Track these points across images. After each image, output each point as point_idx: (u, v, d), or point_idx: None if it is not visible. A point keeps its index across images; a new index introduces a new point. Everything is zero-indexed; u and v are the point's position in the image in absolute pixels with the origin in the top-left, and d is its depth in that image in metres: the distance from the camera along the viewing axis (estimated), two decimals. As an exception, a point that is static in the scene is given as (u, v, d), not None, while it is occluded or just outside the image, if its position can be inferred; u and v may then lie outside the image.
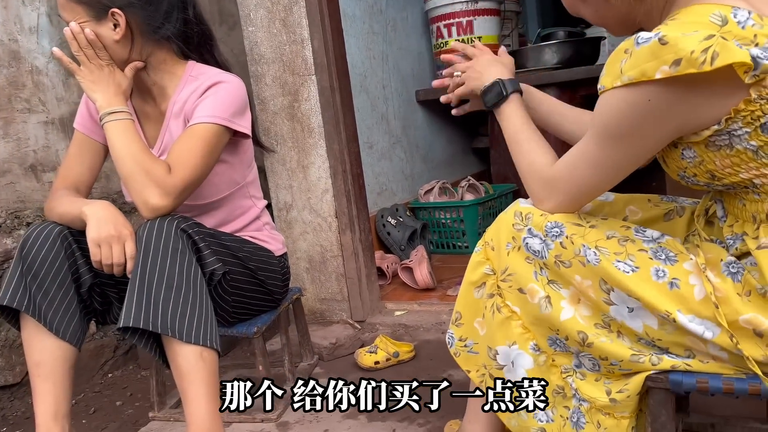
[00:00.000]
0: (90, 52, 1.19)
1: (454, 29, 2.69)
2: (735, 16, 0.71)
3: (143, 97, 1.34)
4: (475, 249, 1.01)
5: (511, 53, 2.74)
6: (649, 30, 0.75)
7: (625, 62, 0.75)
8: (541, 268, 0.92)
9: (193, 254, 1.16)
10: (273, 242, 1.45)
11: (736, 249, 0.83)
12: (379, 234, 2.41)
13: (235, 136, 1.30)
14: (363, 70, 2.40)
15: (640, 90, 0.73)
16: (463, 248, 2.53)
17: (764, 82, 0.71)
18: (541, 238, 0.91)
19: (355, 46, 2.35)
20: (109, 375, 1.86)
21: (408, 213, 2.51)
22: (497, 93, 1.03)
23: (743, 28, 0.71)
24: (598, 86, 0.81)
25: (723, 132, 0.75)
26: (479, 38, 2.69)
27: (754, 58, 0.69)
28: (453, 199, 2.61)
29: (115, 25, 1.20)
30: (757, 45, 0.70)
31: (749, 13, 0.72)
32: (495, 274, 0.97)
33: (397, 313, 1.96)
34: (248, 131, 1.31)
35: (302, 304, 1.65)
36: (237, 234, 1.38)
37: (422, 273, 2.03)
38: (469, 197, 2.60)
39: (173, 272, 1.12)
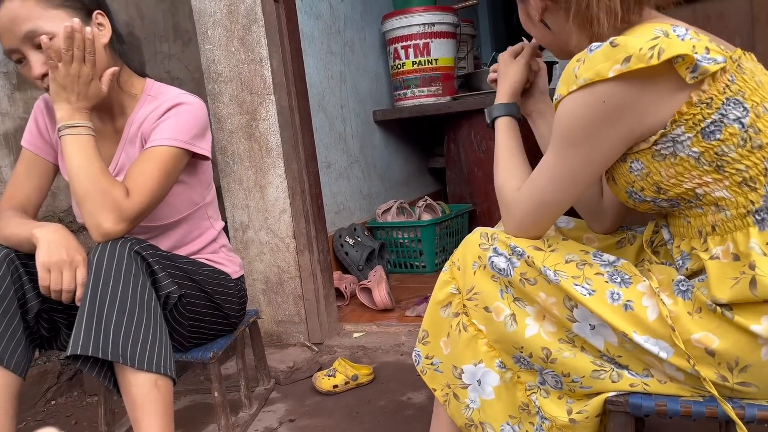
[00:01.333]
0: (78, 54, 1.11)
1: (411, 51, 2.72)
2: (675, 31, 0.77)
3: (99, 113, 1.29)
4: (443, 269, 1.02)
5: (465, 76, 2.82)
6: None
7: (578, 68, 0.79)
8: (506, 286, 0.94)
9: (147, 277, 1.12)
10: (230, 265, 1.42)
11: (687, 269, 0.86)
12: (336, 254, 2.39)
13: (195, 157, 1.28)
14: (321, 89, 2.40)
15: (595, 91, 0.78)
16: (420, 268, 2.54)
17: (703, 86, 0.76)
18: (506, 257, 0.93)
19: (314, 66, 2.35)
20: (53, 402, 1.78)
21: (366, 233, 2.50)
22: (487, 117, 1.09)
23: (683, 40, 0.76)
24: (555, 97, 0.84)
25: (668, 138, 0.79)
26: (436, 60, 2.73)
27: (695, 60, 0.75)
28: (410, 219, 2.62)
29: (99, 26, 1.17)
30: (697, 52, 0.75)
31: (686, 29, 0.78)
32: (461, 293, 0.99)
33: (356, 334, 1.94)
34: (208, 153, 1.28)
35: (259, 326, 1.62)
36: (193, 256, 1.35)
37: (380, 294, 2.03)
38: (426, 217, 2.61)
39: (126, 296, 1.08)
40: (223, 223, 1.46)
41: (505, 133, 1.04)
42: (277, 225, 1.88)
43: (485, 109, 1.09)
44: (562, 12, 0.89)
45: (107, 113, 1.28)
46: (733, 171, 0.78)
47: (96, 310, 1.05)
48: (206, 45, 1.84)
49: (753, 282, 0.77)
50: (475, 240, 0.97)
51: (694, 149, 0.78)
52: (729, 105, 0.77)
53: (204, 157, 1.29)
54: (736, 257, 0.80)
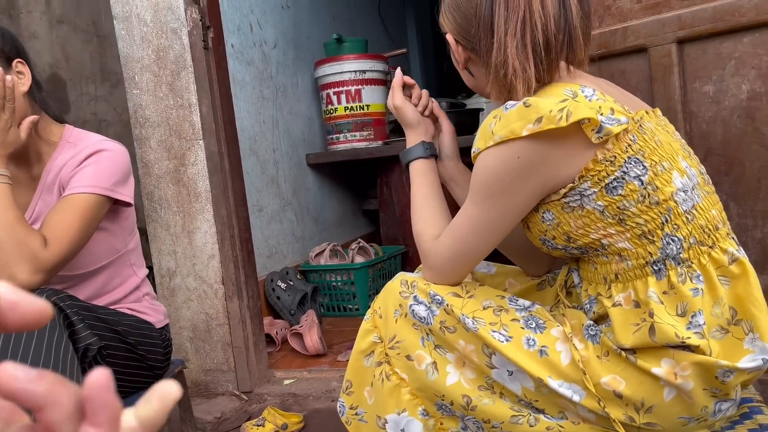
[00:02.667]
0: None
1: (343, 96, 2.77)
2: (583, 92, 0.83)
3: (15, 160, 1.25)
4: (365, 317, 1.03)
5: (395, 121, 2.89)
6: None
7: (494, 125, 0.84)
8: (427, 334, 0.96)
9: (64, 330, 1.08)
10: (154, 314, 1.38)
11: (594, 312, 0.91)
12: (268, 299, 2.36)
13: (117, 204, 1.25)
14: (253, 133, 2.41)
15: (510, 148, 0.83)
16: (354, 311, 2.54)
17: (607, 145, 0.82)
18: (426, 305, 0.95)
19: (245, 111, 2.36)
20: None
21: (299, 276, 2.49)
22: (401, 163, 1.11)
23: (590, 101, 0.82)
24: (472, 151, 0.89)
25: (576, 191, 0.84)
26: (367, 106, 2.79)
27: (600, 122, 0.80)
28: (344, 262, 2.63)
29: (19, 74, 1.14)
30: (602, 114, 0.81)
31: (594, 90, 0.84)
32: (383, 342, 1.00)
33: (287, 381, 1.91)
34: (131, 199, 1.26)
35: (185, 376, 1.57)
36: (115, 306, 1.31)
37: (312, 339, 2.01)
38: (359, 259, 2.63)
39: (40, 351, 1.03)
40: (146, 270, 1.43)
41: (418, 179, 1.05)
42: (205, 271, 1.85)
43: (399, 155, 1.11)
44: (483, 66, 0.94)
45: (24, 160, 1.25)
46: (634, 224, 0.84)
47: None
48: (134, 90, 1.83)
49: (652, 329, 0.82)
50: (395, 288, 0.99)
51: (599, 203, 0.83)
52: (630, 163, 0.82)
53: (126, 204, 1.26)
54: (637, 304, 0.85)
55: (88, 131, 1.30)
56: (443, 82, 4.99)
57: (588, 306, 0.92)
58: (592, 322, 0.90)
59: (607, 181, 0.82)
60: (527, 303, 0.96)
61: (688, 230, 0.85)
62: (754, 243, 1.19)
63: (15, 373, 0.25)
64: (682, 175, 0.86)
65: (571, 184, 0.84)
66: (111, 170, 1.21)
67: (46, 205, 1.23)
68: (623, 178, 0.82)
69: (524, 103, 0.82)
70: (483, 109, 3.01)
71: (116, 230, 1.30)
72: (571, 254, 0.94)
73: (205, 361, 1.89)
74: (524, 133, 0.81)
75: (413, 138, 1.10)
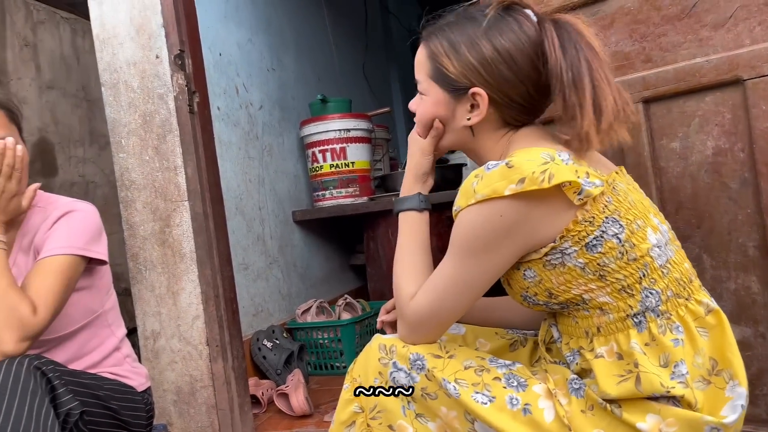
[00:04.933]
0: (7, 170, 1.12)
1: (328, 154, 2.83)
2: (559, 155, 0.86)
3: None
4: (344, 386, 1.01)
5: (381, 177, 2.94)
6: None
7: (476, 184, 0.86)
8: (408, 402, 0.94)
9: (46, 394, 1.07)
10: (135, 377, 1.37)
11: (577, 365, 0.92)
12: (254, 358, 2.34)
13: (91, 263, 1.26)
14: (239, 193, 2.44)
15: (492, 206, 0.84)
16: (341, 368, 2.51)
17: (587, 206, 0.85)
18: (406, 372, 0.94)
19: (231, 171, 2.39)
20: None
21: (285, 334, 2.47)
22: (396, 208, 1.08)
23: (567, 164, 0.85)
24: (454, 208, 0.90)
25: (557, 250, 0.86)
26: (352, 163, 2.84)
27: (581, 185, 0.84)
28: (330, 318, 2.62)
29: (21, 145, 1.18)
30: (579, 177, 0.84)
31: (569, 155, 0.88)
32: (364, 411, 0.98)
33: (273, 443, 1.87)
34: (105, 257, 1.27)
35: (167, 442, 1.54)
36: (95, 369, 1.30)
37: (298, 399, 1.98)
38: (345, 316, 2.62)
39: (21, 415, 1.02)
40: (125, 330, 1.42)
41: (408, 231, 1.03)
42: (189, 332, 1.84)
43: (393, 199, 1.12)
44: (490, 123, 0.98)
45: None
46: (614, 280, 0.87)
47: None
48: (120, 153, 1.86)
49: (638, 379, 0.83)
50: (374, 354, 0.98)
51: (580, 260, 0.86)
52: (608, 223, 0.86)
53: (101, 262, 1.27)
54: (620, 356, 0.87)
55: (56, 194, 1.33)
56: (428, 137, 5.09)
57: (571, 358, 0.93)
58: (575, 376, 0.90)
59: (587, 240, 0.86)
60: (507, 362, 0.96)
61: (665, 283, 0.88)
62: (728, 294, 1.21)
63: None
64: (655, 231, 0.90)
65: (552, 244, 0.86)
66: (83, 230, 1.23)
67: (20, 270, 1.23)
68: (602, 237, 0.85)
69: (507, 164, 0.85)
70: (466, 164, 3.07)
71: (92, 290, 1.31)
72: (552, 309, 0.95)
73: (189, 425, 1.86)
74: (506, 193, 0.83)
75: (413, 188, 1.06)
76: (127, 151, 1.85)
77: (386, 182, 2.88)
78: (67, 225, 1.21)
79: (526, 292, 0.93)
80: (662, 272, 0.88)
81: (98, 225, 1.27)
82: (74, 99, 2.78)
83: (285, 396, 2.08)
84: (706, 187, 1.22)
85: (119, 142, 1.86)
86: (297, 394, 2.00)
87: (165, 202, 1.84)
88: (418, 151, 1.06)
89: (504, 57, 0.91)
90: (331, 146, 2.82)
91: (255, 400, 2.12)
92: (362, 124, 2.88)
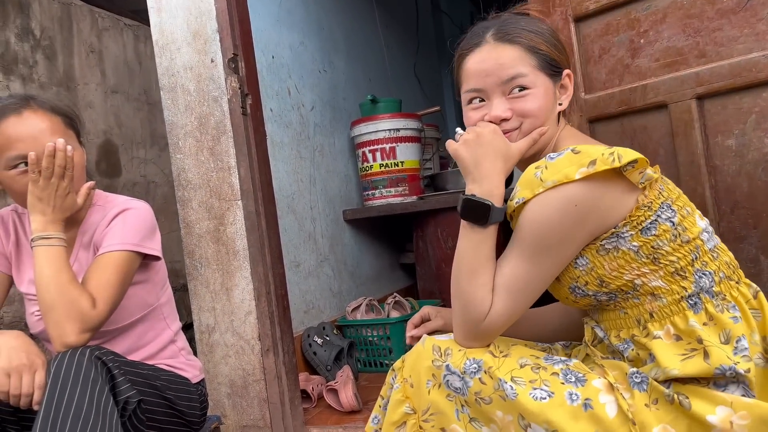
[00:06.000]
0: (59, 170, 1.19)
1: (378, 154, 2.86)
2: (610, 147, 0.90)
3: None
4: (394, 386, 1.01)
5: (431, 176, 2.94)
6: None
7: (541, 173, 0.86)
8: (462, 406, 0.93)
9: (106, 383, 1.13)
10: (190, 369, 1.43)
11: (632, 350, 0.91)
12: (305, 354, 2.39)
13: (146, 258, 1.32)
14: (291, 192, 2.49)
15: (564, 194, 0.84)
16: (390, 366, 2.53)
17: (645, 191, 0.87)
18: (459, 375, 0.93)
19: (284, 170, 2.45)
20: None
21: (335, 331, 2.51)
22: (477, 216, 0.94)
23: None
24: (515, 201, 0.88)
25: (614, 235, 0.87)
26: (402, 162, 2.86)
27: (647, 164, 0.86)
28: (380, 316, 2.65)
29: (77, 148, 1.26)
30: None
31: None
32: (416, 413, 0.97)
33: (321, 438, 1.91)
34: (159, 253, 1.33)
35: (221, 433, 1.60)
36: (151, 361, 1.36)
37: (347, 395, 2.02)
38: (395, 314, 2.64)
39: (82, 403, 1.08)
40: (179, 324, 1.48)
41: (489, 244, 0.93)
42: (242, 327, 1.90)
43: (470, 200, 0.94)
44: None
45: None
46: (667, 262, 0.87)
47: (51, 417, 1.05)
48: (177, 155, 1.94)
49: (706, 354, 0.83)
50: (427, 355, 0.97)
51: (634, 243, 0.87)
52: (662, 208, 0.87)
53: (156, 257, 1.33)
54: (678, 337, 0.87)
55: (114, 194, 1.40)
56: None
57: (624, 347, 0.92)
58: (635, 370, 0.89)
59: (643, 225, 0.87)
60: (563, 358, 0.95)
61: (716, 266, 0.89)
62: (787, 297, 1.17)
63: None
64: (701, 218, 0.92)
65: (613, 229, 0.87)
66: (137, 227, 1.29)
67: (82, 266, 1.31)
68: (656, 221, 0.87)
69: (573, 150, 0.87)
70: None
71: (148, 284, 1.37)
72: (599, 301, 0.94)
73: (242, 417, 1.92)
74: (577, 176, 0.84)
75: (492, 194, 0.94)
76: (184, 152, 1.93)
77: (436, 181, 2.89)
78: (123, 222, 1.28)
79: (576, 282, 0.92)
80: (712, 256, 0.90)
81: (152, 222, 1.33)
82: (136, 102, 2.91)
83: (334, 391, 2.12)
84: (763, 186, 1.18)
85: (176, 143, 1.94)
86: (346, 390, 2.03)
87: (219, 201, 1.90)
88: (505, 152, 0.95)
89: (564, 45, 1.02)
90: (380, 146, 2.85)
91: (305, 395, 2.17)
92: (412, 124, 2.89)
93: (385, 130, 2.82)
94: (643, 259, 0.87)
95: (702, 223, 0.91)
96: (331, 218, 2.82)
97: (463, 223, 0.96)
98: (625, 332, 0.92)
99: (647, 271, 0.88)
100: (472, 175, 0.95)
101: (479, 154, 0.94)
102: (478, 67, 0.99)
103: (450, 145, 1.01)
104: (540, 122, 0.98)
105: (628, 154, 0.85)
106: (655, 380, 0.86)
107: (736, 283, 0.90)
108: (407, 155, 2.88)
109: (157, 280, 1.39)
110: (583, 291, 0.93)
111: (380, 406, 1.05)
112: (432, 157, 3.26)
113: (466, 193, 0.95)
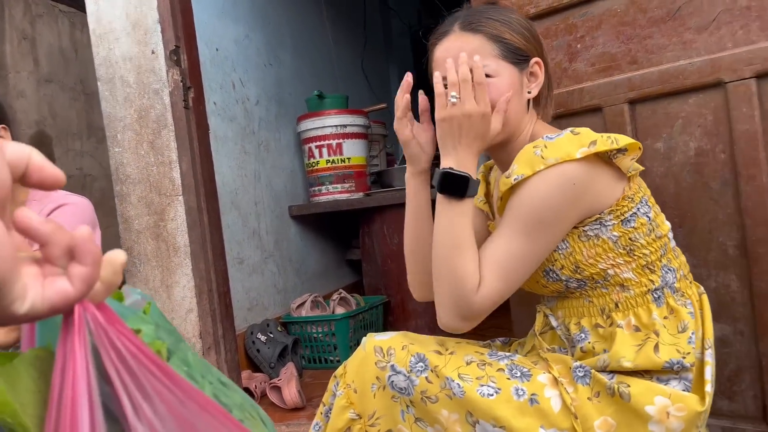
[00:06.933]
0: None
1: (324, 150, 2.85)
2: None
3: None
4: (337, 393, 0.99)
5: (378, 173, 2.96)
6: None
7: (541, 152, 0.87)
8: (407, 406, 0.93)
9: None
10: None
11: (588, 343, 0.93)
12: (248, 352, 2.36)
13: None
14: (234, 187, 2.46)
15: (564, 172, 0.86)
16: (334, 362, 2.54)
17: (631, 182, 0.91)
18: (405, 375, 0.93)
19: (227, 166, 2.41)
20: None
21: (279, 328, 2.50)
22: (455, 189, 0.93)
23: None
24: (514, 178, 0.87)
25: (597, 222, 0.90)
26: (348, 159, 2.86)
27: (640, 149, 0.91)
28: (325, 313, 2.64)
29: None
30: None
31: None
32: (362, 418, 0.96)
33: (264, 435, 1.90)
34: None
35: (159, 433, 1.56)
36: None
37: (291, 392, 2.01)
38: (340, 310, 2.64)
39: None
40: None
41: (468, 217, 0.93)
42: (183, 325, 1.86)
43: (447, 173, 0.93)
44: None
45: None
46: (640, 255, 0.91)
47: None
48: (115, 148, 1.88)
49: (656, 347, 0.87)
50: (370, 358, 0.96)
51: (614, 233, 0.90)
52: (641, 202, 0.92)
53: None
54: (637, 329, 0.90)
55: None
56: (426, 133, 5.10)
57: (580, 337, 0.94)
58: (579, 364, 0.91)
59: (625, 216, 0.91)
60: (507, 353, 0.97)
61: (678, 264, 0.95)
62: (708, 292, 1.22)
63: (30, 215, 0.34)
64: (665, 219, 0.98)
65: (598, 215, 0.90)
66: (75, 223, 1.24)
67: None
68: (636, 214, 0.91)
69: (572, 131, 0.90)
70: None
71: None
72: (568, 288, 0.95)
73: (182, 417, 1.88)
74: (578, 155, 0.86)
75: (470, 164, 0.94)
76: (123, 145, 1.88)
77: (382, 178, 2.90)
78: (61, 218, 1.23)
79: (553, 265, 0.94)
80: (674, 254, 0.97)
81: (92, 218, 1.29)
82: (72, 92, 2.80)
83: (278, 389, 2.10)
84: (688, 187, 1.24)
85: (115, 136, 1.88)
86: (290, 387, 2.02)
87: (159, 196, 1.86)
88: (485, 135, 0.95)
89: (539, 34, 1.05)
90: (327, 142, 2.84)
91: (248, 393, 2.14)
92: (359, 120, 2.89)
93: (331, 126, 2.82)
94: (619, 250, 0.91)
95: (668, 222, 0.98)
96: (277, 214, 2.79)
97: (440, 198, 0.95)
98: (587, 320, 0.94)
99: (621, 262, 0.91)
100: (450, 150, 0.94)
101: (464, 131, 0.93)
102: (443, 56, 1.00)
103: (441, 109, 0.95)
104: (504, 109, 0.98)
105: (623, 139, 0.89)
106: (604, 369, 0.89)
107: (690, 282, 0.98)
108: (354, 152, 2.88)
109: None
110: (556, 275, 0.94)
111: (322, 413, 1.04)
112: (379, 153, 3.27)
113: (442, 167, 0.95)
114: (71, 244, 0.34)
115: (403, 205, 1.09)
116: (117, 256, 0.38)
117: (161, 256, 1.87)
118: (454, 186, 0.92)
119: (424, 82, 1.06)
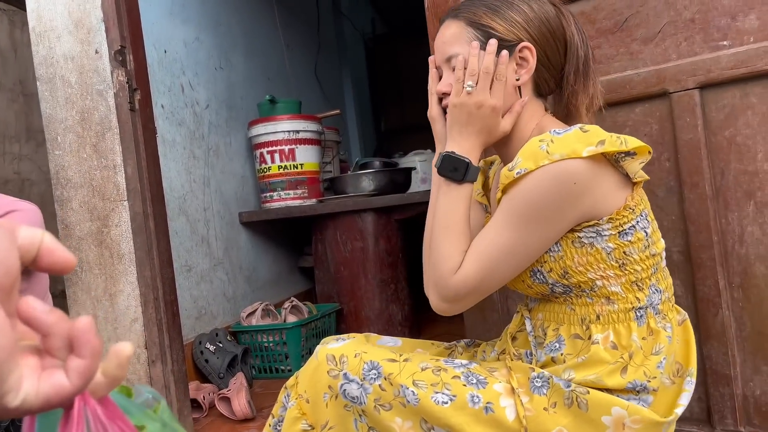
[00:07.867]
0: None
1: (276, 156, 2.81)
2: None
3: None
4: (288, 405, 0.97)
5: (331, 180, 2.93)
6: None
7: (546, 147, 0.84)
8: (360, 415, 0.92)
9: None
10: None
11: (561, 354, 0.91)
12: (196, 362, 2.29)
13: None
14: (183, 193, 2.39)
15: (567, 169, 0.83)
16: (286, 372, 2.49)
17: (634, 192, 0.88)
18: (358, 383, 0.91)
19: (175, 170, 2.35)
20: None
21: (229, 338, 2.44)
22: (454, 171, 0.95)
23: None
24: (517, 172, 0.85)
25: (594, 229, 0.87)
26: (301, 165, 2.83)
27: (650, 153, 0.88)
28: (276, 321, 2.59)
29: None
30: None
31: None
32: (314, 429, 0.95)
33: (212, 448, 1.84)
34: None
35: (100, 449, 1.49)
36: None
37: (240, 403, 1.96)
38: (292, 319, 2.60)
39: None
40: None
41: (461, 202, 0.94)
42: (127, 335, 1.79)
43: (448, 155, 0.95)
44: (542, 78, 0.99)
45: None
46: (632, 270, 0.88)
47: None
48: (56, 151, 1.80)
49: (625, 369, 0.86)
50: (322, 367, 0.94)
51: (610, 244, 0.87)
52: (641, 216, 0.89)
53: None
54: (615, 346, 0.88)
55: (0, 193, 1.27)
56: (380, 141, 5.12)
57: (554, 346, 0.93)
58: (537, 374, 0.90)
59: (623, 228, 0.87)
60: (464, 361, 0.95)
61: (665, 285, 0.93)
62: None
63: (35, 305, 0.33)
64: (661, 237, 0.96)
65: (597, 222, 0.87)
66: None
67: None
68: (634, 227, 0.88)
69: (581, 128, 0.85)
70: (415, 168, 3.10)
71: (27, 293, 1.26)
72: (553, 292, 0.93)
73: (126, 431, 1.81)
74: (585, 154, 0.82)
75: (471, 152, 0.96)
76: (64, 148, 1.80)
77: (335, 184, 2.88)
78: None
79: (541, 267, 0.91)
80: (664, 274, 0.94)
81: (40, 226, 1.23)
82: (11, 93, 2.68)
83: (227, 399, 2.05)
84: (635, 195, 1.27)
85: (55, 138, 1.80)
86: (239, 398, 1.97)
87: (103, 201, 1.79)
88: (493, 129, 0.97)
89: (541, 18, 0.97)
90: (279, 147, 2.80)
91: (196, 405, 2.08)
92: (312, 126, 2.87)
93: (284, 131, 2.78)
94: (611, 262, 0.88)
95: (663, 241, 0.94)
96: (227, 221, 2.73)
97: (439, 180, 0.97)
98: (565, 329, 0.92)
99: (611, 274, 0.88)
100: (455, 136, 0.96)
101: (471, 120, 0.94)
102: (434, 44, 1.03)
103: (455, 95, 0.96)
104: (518, 111, 0.98)
105: (633, 141, 0.86)
106: (569, 380, 0.88)
107: (672, 305, 0.95)
108: (307, 157, 2.85)
109: (38, 290, 1.29)
110: (543, 277, 0.92)
111: (271, 426, 1.01)
112: (332, 160, 3.25)
113: (445, 150, 0.97)
114: (71, 334, 0.33)
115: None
116: (123, 348, 0.36)
117: (104, 264, 1.79)
118: (454, 169, 0.94)
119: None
